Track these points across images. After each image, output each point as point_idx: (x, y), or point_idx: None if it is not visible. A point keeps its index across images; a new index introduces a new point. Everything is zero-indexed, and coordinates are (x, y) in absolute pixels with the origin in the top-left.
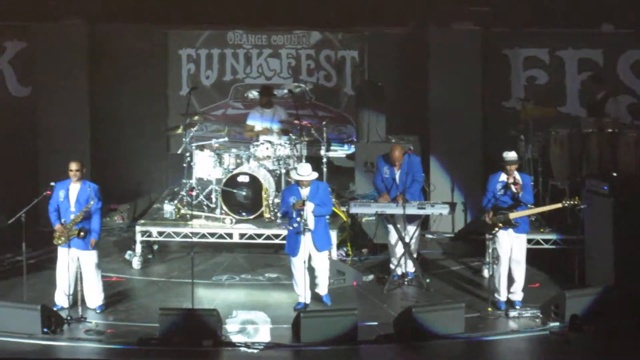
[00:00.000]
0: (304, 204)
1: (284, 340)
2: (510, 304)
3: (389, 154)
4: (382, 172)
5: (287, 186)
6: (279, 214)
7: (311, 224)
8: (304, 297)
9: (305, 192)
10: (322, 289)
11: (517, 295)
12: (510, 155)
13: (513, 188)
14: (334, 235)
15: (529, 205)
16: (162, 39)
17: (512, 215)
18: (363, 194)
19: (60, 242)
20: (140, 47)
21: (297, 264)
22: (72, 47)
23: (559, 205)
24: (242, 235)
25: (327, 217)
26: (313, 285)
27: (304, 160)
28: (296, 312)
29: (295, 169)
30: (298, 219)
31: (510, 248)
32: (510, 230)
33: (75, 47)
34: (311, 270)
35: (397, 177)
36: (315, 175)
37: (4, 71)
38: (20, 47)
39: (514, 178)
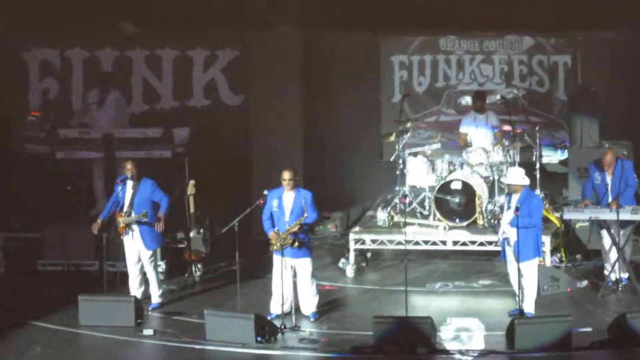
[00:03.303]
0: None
1: (498, 347)
2: None
3: (601, 159)
4: (593, 178)
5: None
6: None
7: (508, 234)
8: (518, 304)
9: (514, 199)
10: (527, 304)
11: None
12: None
13: None
14: (547, 241)
15: None
16: (375, 46)
17: None
18: (576, 199)
19: (275, 247)
20: (352, 54)
21: (508, 269)
22: (285, 55)
23: None
24: (455, 242)
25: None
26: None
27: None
28: (510, 318)
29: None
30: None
31: None
32: None
33: (289, 55)
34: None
35: (609, 182)
36: (524, 181)
37: (216, 80)
38: (232, 55)
39: None
